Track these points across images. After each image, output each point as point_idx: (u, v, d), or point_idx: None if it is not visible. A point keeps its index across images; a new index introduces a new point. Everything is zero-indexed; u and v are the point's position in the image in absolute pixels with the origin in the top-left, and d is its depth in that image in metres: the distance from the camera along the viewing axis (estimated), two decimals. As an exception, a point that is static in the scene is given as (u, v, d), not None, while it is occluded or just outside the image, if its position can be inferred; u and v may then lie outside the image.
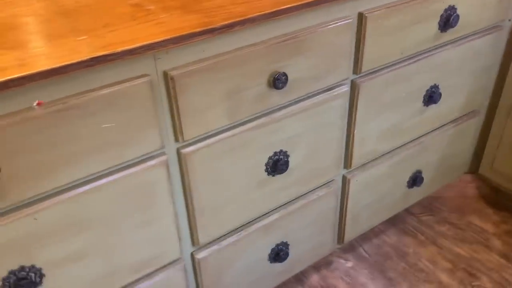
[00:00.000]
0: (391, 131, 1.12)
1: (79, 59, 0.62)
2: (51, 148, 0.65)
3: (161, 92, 0.72)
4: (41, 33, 0.70)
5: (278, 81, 0.81)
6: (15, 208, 0.66)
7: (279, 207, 1.01)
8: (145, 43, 0.66)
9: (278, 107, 0.87)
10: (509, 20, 1.22)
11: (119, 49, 0.64)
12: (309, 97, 0.91)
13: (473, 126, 1.35)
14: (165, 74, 0.71)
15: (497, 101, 1.34)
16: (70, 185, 0.69)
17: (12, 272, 0.69)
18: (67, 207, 0.70)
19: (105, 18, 0.75)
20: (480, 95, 1.30)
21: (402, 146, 1.19)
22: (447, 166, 1.37)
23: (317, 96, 0.92)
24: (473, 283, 1.28)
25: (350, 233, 1.23)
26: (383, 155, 1.16)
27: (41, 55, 0.63)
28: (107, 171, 0.72)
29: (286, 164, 0.93)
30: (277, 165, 0.92)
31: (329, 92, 0.93)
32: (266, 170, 0.92)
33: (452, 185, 1.58)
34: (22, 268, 0.69)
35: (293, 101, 0.89)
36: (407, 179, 1.27)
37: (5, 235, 0.66)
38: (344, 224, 1.20)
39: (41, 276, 0.72)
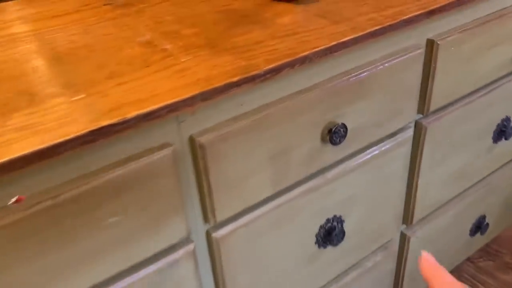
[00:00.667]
0: (457, 175, 0.92)
1: (75, 134, 0.43)
2: (40, 258, 0.46)
3: (186, 164, 0.53)
4: (23, 93, 0.52)
5: (336, 135, 0.62)
6: None
7: (329, 282, 0.81)
8: (164, 103, 0.47)
9: (330, 165, 0.68)
10: None
11: (130, 115, 0.45)
12: (368, 149, 0.72)
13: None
14: (192, 141, 0.52)
15: None
16: (66, 301, 0.50)
17: None
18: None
19: (109, 64, 0.57)
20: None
21: (467, 189, 0.99)
22: (510, 206, 1.17)
23: (379, 145, 0.73)
24: None
25: (407, 295, 1.03)
26: (446, 203, 0.96)
27: (20, 129, 0.44)
28: (119, 275, 0.53)
29: (341, 233, 0.73)
30: (331, 235, 0.72)
31: (392, 139, 0.74)
32: (317, 242, 0.73)
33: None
34: None
35: (350, 156, 0.70)
36: (469, 227, 1.07)
37: None
38: (402, 285, 1.00)
39: None
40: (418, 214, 0.89)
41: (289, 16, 0.67)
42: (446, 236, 1.01)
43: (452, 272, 1.26)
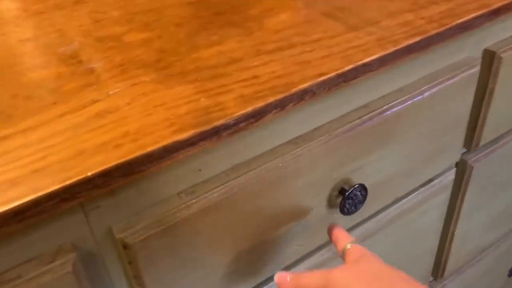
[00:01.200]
0: (502, 217, 0.72)
1: None
2: None
3: (108, 271, 0.33)
4: None
5: (350, 202, 0.41)
6: None
7: None
8: (57, 186, 0.27)
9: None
10: None
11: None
12: (395, 204, 0.51)
13: None
14: (111, 237, 0.32)
15: None
16: None
17: None
18: None
19: (4, 95, 0.36)
20: None
21: (508, 233, 0.79)
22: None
23: (408, 198, 0.52)
24: None
25: None
26: (485, 249, 0.76)
27: None
28: None
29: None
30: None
31: (426, 187, 0.53)
32: (319, 325, 0.53)
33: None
34: None
35: (369, 217, 0.50)
36: (509, 267, 0.88)
37: None
38: None
39: None
40: (451, 267, 0.69)
41: (284, 15, 0.46)
42: (483, 281, 0.82)
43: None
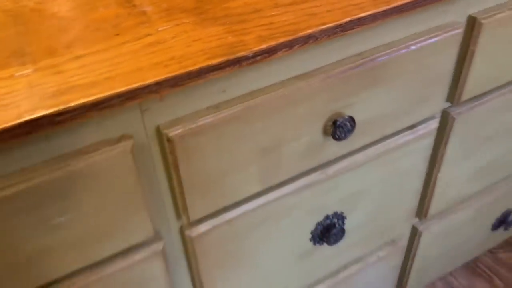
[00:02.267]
0: (485, 170, 0.81)
1: (7, 124, 0.35)
2: (-33, 262, 0.40)
3: (153, 157, 0.45)
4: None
5: (340, 130, 0.52)
6: None
7: (326, 277, 0.74)
8: (122, 89, 0.38)
9: (335, 159, 0.59)
10: None
11: (76, 103, 0.37)
12: (381, 142, 0.62)
13: None
14: (159, 133, 0.43)
15: None
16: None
17: None
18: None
19: (74, 28, 0.48)
20: None
21: (494, 184, 0.89)
22: (543, 200, 1.06)
23: (393, 139, 0.63)
24: None
25: (413, 287, 0.96)
26: (468, 198, 0.86)
27: None
28: (70, 276, 0.47)
29: (341, 233, 0.65)
30: (330, 233, 0.64)
31: (411, 131, 0.64)
32: (312, 239, 0.65)
33: (540, 214, 1.26)
34: None
35: (358, 149, 0.60)
36: (492, 222, 0.97)
37: None
38: (407, 281, 0.93)
39: None
40: (433, 209, 0.80)
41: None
42: (465, 230, 0.92)
43: (468, 262, 1.18)
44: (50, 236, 0.42)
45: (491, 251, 1.21)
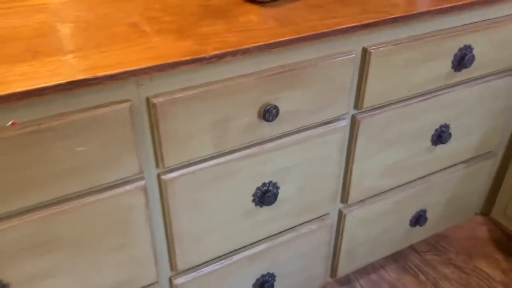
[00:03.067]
0: (395, 168, 1.07)
1: (57, 82, 0.61)
2: (23, 168, 0.64)
3: (143, 118, 0.71)
4: (29, 50, 0.70)
5: (268, 114, 0.78)
6: (-16, 224, 0.66)
7: (266, 238, 0.98)
8: (127, 69, 0.65)
9: (269, 138, 0.85)
10: (534, 61, 1.15)
11: (100, 74, 0.63)
12: (303, 131, 0.88)
13: (488, 167, 1.28)
14: (148, 101, 0.70)
15: (515, 144, 1.27)
16: (42, 205, 0.69)
17: (-22, 286, 0.69)
18: (39, 225, 0.69)
19: (98, 37, 0.74)
20: (497, 136, 1.23)
21: (407, 183, 1.14)
22: (455, 206, 1.31)
23: (312, 130, 0.89)
24: (470, 334, 1.21)
25: (344, 268, 1.19)
26: (385, 192, 1.11)
27: (22, 74, 0.63)
28: (81, 193, 0.71)
29: (274, 196, 0.90)
30: (265, 196, 0.89)
31: (326, 126, 0.90)
32: (254, 201, 0.90)
33: (462, 226, 1.51)
34: (-12, 282, 0.69)
35: (285, 134, 0.86)
36: (409, 218, 1.22)
37: (-27, 249, 0.66)
38: (338, 259, 1.16)
39: (9, 291, 0.72)
40: (353, 196, 1.05)
41: (251, 16, 0.83)
42: (384, 221, 1.16)
43: (397, 259, 1.41)
44: (72, 159, 0.67)
45: (419, 253, 1.45)
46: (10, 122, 0.61)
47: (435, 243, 1.48)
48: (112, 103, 0.67)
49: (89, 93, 0.65)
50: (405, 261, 1.42)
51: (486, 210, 1.42)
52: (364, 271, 1.38)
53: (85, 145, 0.67)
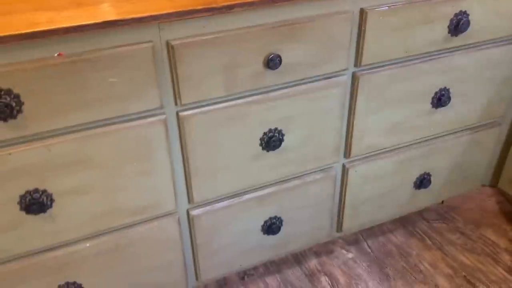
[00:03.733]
0: (396, 128, 1.16)
1: (94, 21, 0.76)
2: (66, 92, 0.79)
3: (163, 58, 0.85)
4: (73, 2, 0.85)
5: (272, 62, 0.91)
6: (35, 138, 0.82)
7: (273, 182, 1.10)
8: (150, 14, 0.79)
9: (274, 87, 0.97)
10: (536, 33, 1.21)
11: (128, 17, 0.77)
12: (305, 82, 0.99)
13: (493, 137, 1.35)
14: (167, 43, 0.83)
15: (520, 114, 1.33)
16: (79, 127, 0.84)
17: (28, 192, 0.84)
18: (76, 145, 0.84)
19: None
20: (501, 106, 1.29)
21: (410, 145, 1.23)
22: (461, 174, 1.38)
23: (314, 83, 1.00)
24: (470, 291, 1.28)
25: (349, 223, 1.29)
26: (387, 150, 1.20)
27: (68, 17, 0.78)
28: (111, 121, 0.85)
29: (279, 141, 1.02)
30: (270, 141, 1.01)
31: (327, 80, 1.01)
32: (261, 145, 1.02)
33: (472, 197, 1.57)
34: (36, 190, 0.85)
35: (288, 83, 0.98)
36: (414, 179, 1.30)
37: (25, 159, 0.82)
38: (343, 213, 1.26)
39: (52, 200, 0.87)
40: (355, 150, 1.15)
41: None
42: (388, 180, 1.25)
43: (406, 225, 1.49)
44: (106, 88, 0.81)
45: (428, 221, 1.52)
46: (57, 53, 0.77)
47: (444, 213, 1.55)
48: (138, 43, 0.81)
49: (119, 33, 0.80)
50: (413, 227, 1.50)
51: (495, 182, 1.48)
52: (372, 233, 1.47)
53: (116, 77, 0.81)
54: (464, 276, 1.32)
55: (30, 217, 0.87)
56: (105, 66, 0.80)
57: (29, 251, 0.91)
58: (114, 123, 0.86)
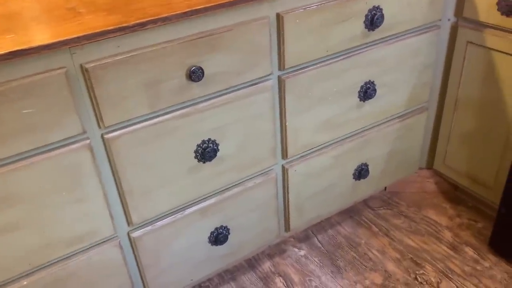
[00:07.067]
0: (328, 124, 1.19)
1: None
2: (-23, 130, 0.76)
3: (79, 82, 0.83)
4: None
5: (194, 74, 0.90)
6: (-51, 181, 0.77)
7: (214, 192, 1.10)
8: (59, 39, 0.76)
9: (200, 98, 0.96)
10: (448, 19, 1.28)
11: (35, 44, 0.75)
12: (232, 91, 1.00)
13: (422, 121, 1.41)
14: (81, 66, 0.81)
15: (444, 97, 1.39)
16: (-2, 163, 0.80)
17: (-50, 238, 0.80)
18: (-3, 182, 0.80)
19: (41, 19, 0.86)
20: (425, 91, 1.35)
21: (344, 139, 1.26)
22: (398, 160, 1.43)
23: (241, 90, 1.01)
24: (417, 272, 1.33)
25: (297, 221, 1.31)
26: (322, 147, 1.23)
27: None
28: (32, 152, 0.82)
29: (213, 152, 1.02)
30: (205, 152, 1.01)
31: (253, 86, 1.02)
32: (196, 157, 1.01)
33: (412, 181, 1.63)
34: (-42, 235, 0.80)
35: (215, 93, 0.98)
36: (352, 171, 1.34)
37: None
38: (289, 212, 1.27)
39: (-22, 243, 0.83)
40: (292, 150, 1.17)
41: (175, -7, 0.95)
42: (328, 175, 1.28)
43: (353, 215, 1.53)
44: (20, 120, 0.78)
45: (373, 209, 1.57)
46: (-38, 90, 0.73)
47: (388, 199, 1.60)
48: (49, 70, 0.79)
49: (28, 61, 0.77)
50: (359, 217, 1.54)
51: (431, 164, 1.54)
52: (321, 227, 1.50)
53: (31, 107, 0.78)
54: (411, 258, 1.37)
55: (-44, 264, 0.82)
56: (17, 98, 0.77)
57: (-40, 299, 0.86)
58: (35, 155, 0.83)
